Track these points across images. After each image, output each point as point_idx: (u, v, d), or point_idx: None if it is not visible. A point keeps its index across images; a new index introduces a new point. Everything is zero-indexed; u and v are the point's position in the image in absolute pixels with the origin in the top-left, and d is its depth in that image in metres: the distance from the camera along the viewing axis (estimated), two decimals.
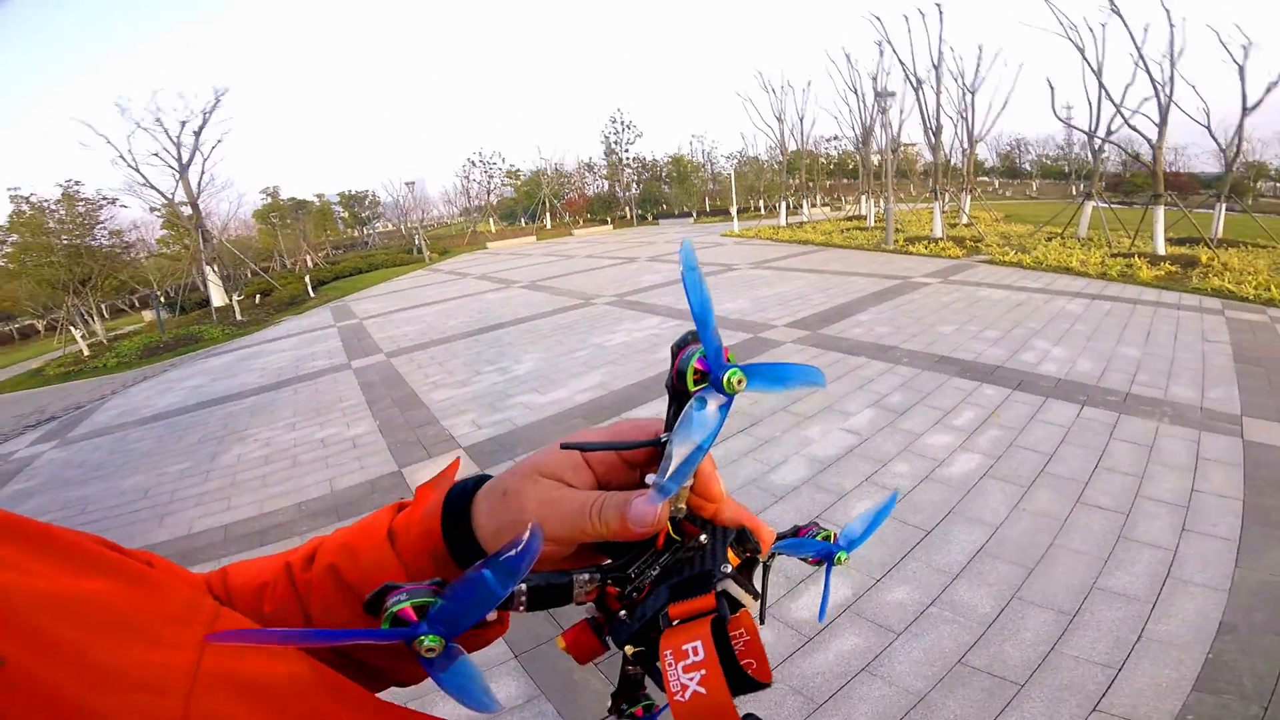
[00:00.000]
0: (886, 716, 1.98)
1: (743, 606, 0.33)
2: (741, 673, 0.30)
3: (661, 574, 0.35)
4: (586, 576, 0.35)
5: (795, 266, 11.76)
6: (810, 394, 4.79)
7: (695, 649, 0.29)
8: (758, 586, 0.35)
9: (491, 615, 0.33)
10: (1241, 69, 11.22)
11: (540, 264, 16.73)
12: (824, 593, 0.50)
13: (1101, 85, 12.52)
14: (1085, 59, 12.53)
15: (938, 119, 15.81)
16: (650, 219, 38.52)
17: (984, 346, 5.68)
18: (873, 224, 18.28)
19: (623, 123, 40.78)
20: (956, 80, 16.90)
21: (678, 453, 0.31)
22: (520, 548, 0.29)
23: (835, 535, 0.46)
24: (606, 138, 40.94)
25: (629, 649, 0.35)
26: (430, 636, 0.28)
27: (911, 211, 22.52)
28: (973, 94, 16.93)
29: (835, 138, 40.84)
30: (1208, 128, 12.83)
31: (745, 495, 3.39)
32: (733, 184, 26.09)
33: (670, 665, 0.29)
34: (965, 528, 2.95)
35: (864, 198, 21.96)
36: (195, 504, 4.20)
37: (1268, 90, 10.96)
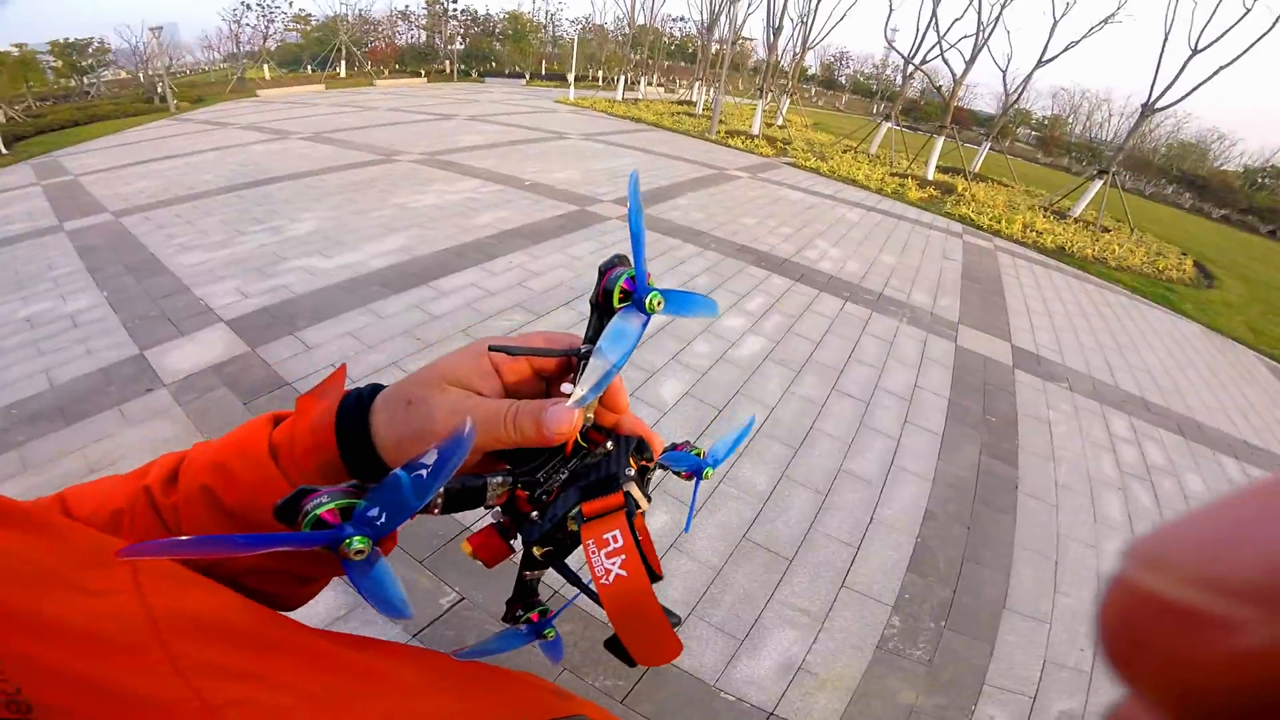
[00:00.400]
0: (693, 590, 2.14)
1: (639, 509, 0.35)
2: (646, 564, 0.33)
3: (570, 478, 0.37)
4: (499, 479, 0.35)
5: (626, 144, 11.33)
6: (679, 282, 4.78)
7: (615, 537, 0.32)
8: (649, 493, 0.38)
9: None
10: (1055, 24, 12.78)
11: (329, 114, 13.60)
12: (691, 506, 0.56)
13: (935, 15, 13.38)
14: None
15: (781, 19, 15.73)
16: (475, 76, 33.83)
17: (778, 241, 6.11)
18: (700, 112, 18.30)
19: None
20: None
21: (599, 364, 0.33)
22: (449, 446, 0.29)
23: (704, 453, 0.48)
24: None
25: (537, 550, 0.36)
26: (359, 538, 0.28)
27: (737, 105, 22.99)
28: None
29: (682, 18, 39.19)
30: (1004, 72, 14.70)
31: None
32: (575, 50, 23.71)
33: (594, 552, 0.32)
34: (748, 406, 3.21)
35: (697, 84, 21.73)
36: None
37: (1065, 48, 12.72)
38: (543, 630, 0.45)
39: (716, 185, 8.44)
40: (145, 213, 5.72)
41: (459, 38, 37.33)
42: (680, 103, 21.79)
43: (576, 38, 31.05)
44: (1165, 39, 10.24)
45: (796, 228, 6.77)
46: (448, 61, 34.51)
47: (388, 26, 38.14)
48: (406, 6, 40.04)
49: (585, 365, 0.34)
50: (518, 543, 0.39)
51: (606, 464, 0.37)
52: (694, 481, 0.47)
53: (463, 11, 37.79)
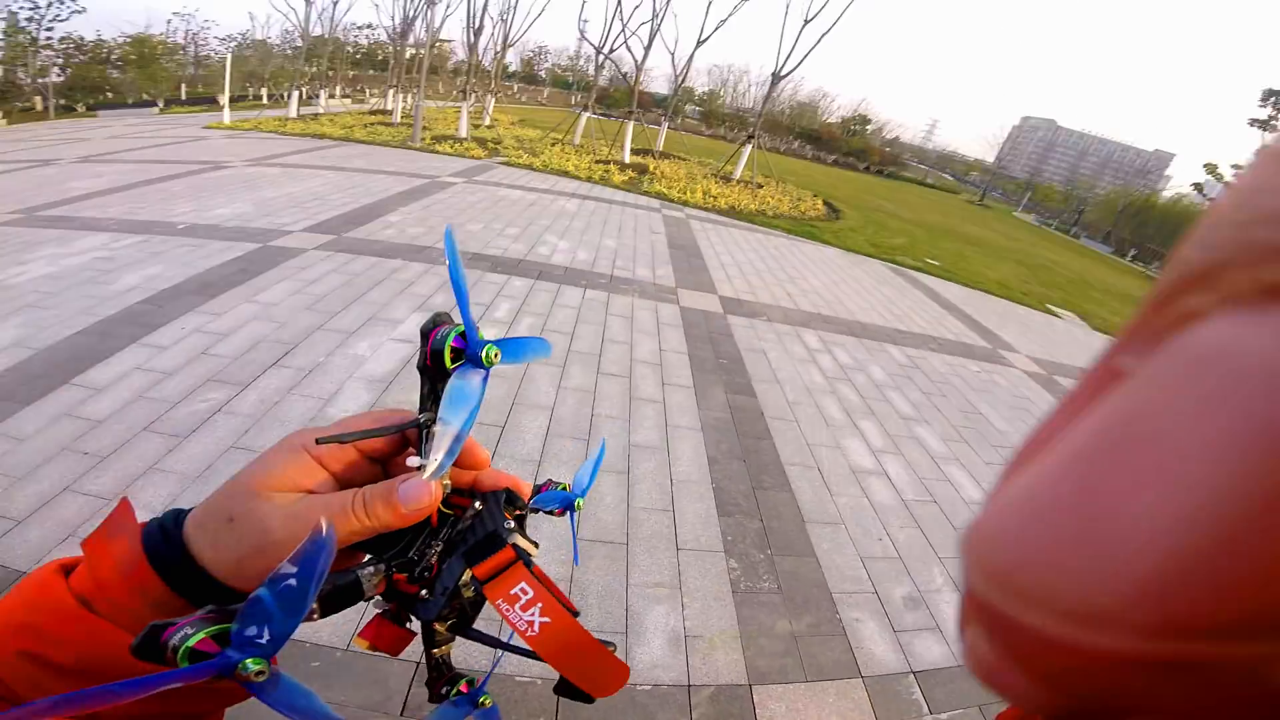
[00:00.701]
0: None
1: (530, 556, 0.36)
2: (564, 604, 0.34)
3: (446, 548, 0.36)
4: (370, 569, 0.34)
5: (309, 163, 10.01)
6: (337, 300, 4.24)
7: (524, 589, 0.32)
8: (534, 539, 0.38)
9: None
10: (709, 4, 14.66)
11: None
12: (573, 539, 0.56)
13: (620, 4, 14.39)
14: None
15: (482, 18, 15.41)
16: (83, 110, 26.31)
17: (507, 243, 6.13)
18: (399, 120, 17.22)
19: None
20: None
21: (446, 430, 0.33)
22: (310, 550, 0.27)
23: (569, 486, 0.48)
24: (13, 13, 25.52)
25: (440, 626, 0.37)
26: (254, 659, 0.27)
27: (439, 110, 22.17)
28: None
29: (369, 25, 35.79)
30: (673, 54, 16.60)
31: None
32: (228, 69, 19.74)
33: (509, 610, 0.31)
34: (530, 414, 3.18)
35: (391, 92, 20.29)
36: None
37: (716, 27, 14.77)
38: (477, 699, 0.43)
39: (431, 195, 8.08)
40: None
41: (55, 68, 28.53)
42: (374, 112, 20.20)
43: (230, 55, 26.17)
44: (786, 12, 12.86)
45: (523, 226, 6.87)
46: (38, 96, 26.10)
47: None
48: None
49: (428, 435, 0.34)
50: (416, 624, 0.38)
51: (481, 524, 0.36)
52: (569, 515, 0.48)
53: (62, 40, 28.80)
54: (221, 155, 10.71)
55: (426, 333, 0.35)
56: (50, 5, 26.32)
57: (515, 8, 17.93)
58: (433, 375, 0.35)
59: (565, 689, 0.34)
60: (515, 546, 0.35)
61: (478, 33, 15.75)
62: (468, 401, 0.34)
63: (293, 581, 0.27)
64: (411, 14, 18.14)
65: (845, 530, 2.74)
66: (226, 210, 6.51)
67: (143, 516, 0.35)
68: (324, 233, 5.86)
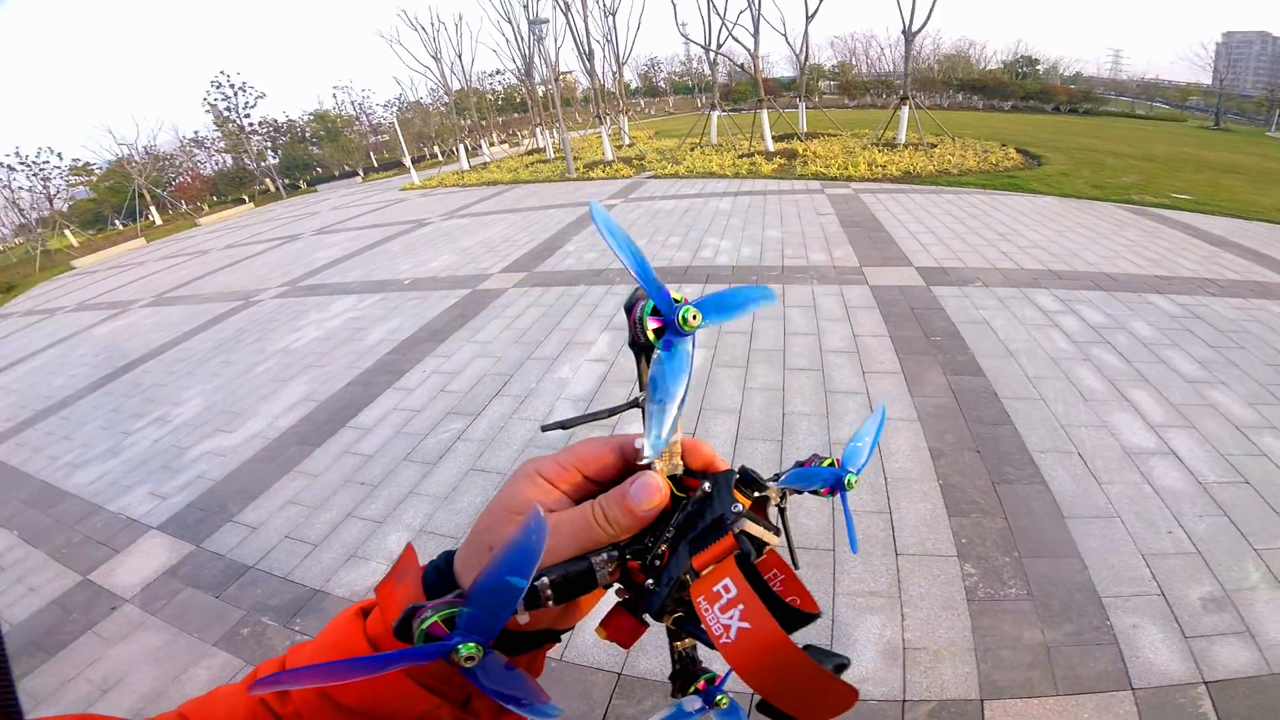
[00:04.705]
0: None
1: (767, 546, 0.34)
2: (786, 607, 0.33)
3: (677, 534, 0.35)
4: (605, 556, 0.34)
5: (492, 209, 11.19)
6: (539, 330, 4.58)
7: (726, 586, 0.29)
8: (776, 525, 0.36)
9: (523, 618, 0.32)
10: None
11: (161, 270, 12.49)
12: (848, 522, 0.49)
13: (710, 1, 14.33)
14: None
15: (589, 43, 16.31)
16: (305, 187, 32.58)
17: (672, 252, 6.19)
18: (552, 155, 18.53)
19: (233, 85, 33.28)
20: (599, 2, 17.45)
21: (660, 405, 0.32)
22: (524, 532, 0.28)
23: (838, 460, 0.44)
24: (213, 105, 32.87)
25: (668, 621, 0.35)
26: (466, 645, 0.28)
27: (583, 138, 23.57)
28: (613, 16, 17.78)
29: (499, 72, 39.84)
30: (784, 35, 15.95)
31: (527, 457, 3.06)
32: (399, 132, 23.33)
33: (707, 610, 0.29)
34: (719, 420, 3.11)
35: (538, 130, 22.07)
36: None
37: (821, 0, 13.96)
38: (714, 698, 0.42)
39: None
40: (13, 439, 4.89)
41: (269, 152, 35.83)
42: (530, 153, 21.93)
43: (396, 119, 30.63)
44: None
45: (683, 234, 6.90)
46: (268, 179, 32.95)
47: (184, 158, 35.89)
48: (196, 132, 37.76)
49: (646, 415, 0.33)
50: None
51: (709, 508, 0.34)
52: (839, 496, 0.44)
53: (261, 123, 36.26)
54: (421, 213, 12.46)
55: (628, 310, 0.34)
56: (237, 94, 32.97)
57: (614, 28, 18.42)
58: (643, 351, 0.34)
59: (767, 709, 0.29)
60: (739, 535, 0.32)
61: (590, 58, 16.39)
62: (674, 373, 0.32)
63: (507, 568, 0.28)
64: (528, 53, 19.45)
65: (1120, 524, 2.24)
66: (437, 263, 7.51)
67: (402, 536, 0.37)
68: (517, 270, 6.46)
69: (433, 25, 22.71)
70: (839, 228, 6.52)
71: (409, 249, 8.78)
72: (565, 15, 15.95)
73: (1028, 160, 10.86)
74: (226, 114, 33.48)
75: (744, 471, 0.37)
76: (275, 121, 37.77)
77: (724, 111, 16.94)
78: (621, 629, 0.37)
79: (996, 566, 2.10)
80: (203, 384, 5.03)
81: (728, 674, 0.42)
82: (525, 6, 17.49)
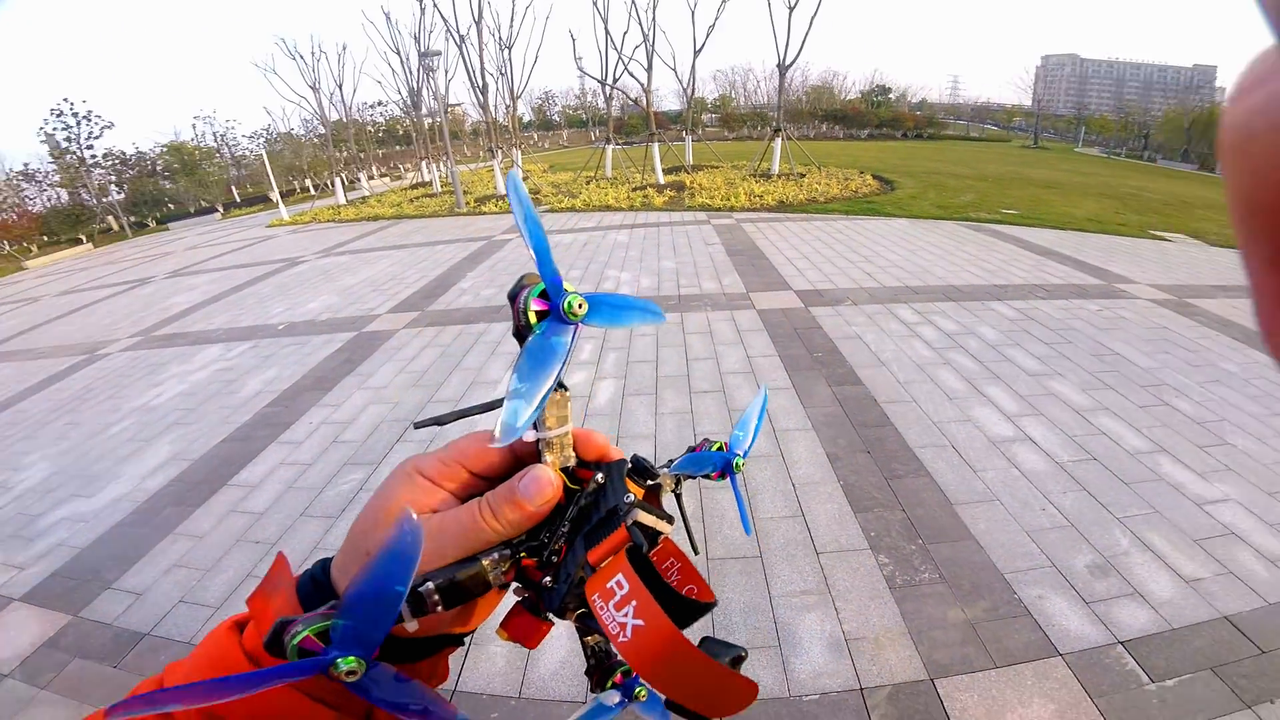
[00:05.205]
0: (701, 629, 1.98)
1: (662, 535, 0.33)
2: (682, 600, 0.32)
3: (572, 528, 0.34)
4: (496, 556, 0.32)
5: (374, 245, 10.65)
6: (437, 372, 4.39)
7: (619, 583, 0.28)
8: (671, 513, 0.35)
9: (411, 625, 0.30)
10: (693, 13, 14.79)
11: None
12: (739, 505, 0.50)
13: (608, 33, 14.76)
14: (596, 7, 14.46)
15: (483, 76, 16.12)
16: (155, 225, 29.21)
17: (575, 285, 6.11)
18: (439, 189, 18.07)
19: (76, 114, 29.43)
20: (495, 35, 17.31)
21: (523, 389, 0.30)
22: (396, 537, 0.26)
23: (726, 444, 0.44)
24: (50, 135, 28.92)
25: (571, 618, 0.34)
26: (345, 659, 0.26)
27: (473, 172, 23.19)
28: (509, 49, 17.66)
29: (380, 103, 38.22)
30: (674, 69, 16.78)
31: None
32: (267, 165, 21.59)
33: (602, 608, 0.28)
34: (636, 445, 3.17)
35: (424, 163, 21.42)
36: None
37: (707, 34, 14.85)
38: (632, 691, 0.41)
39: (491, 255, 8.37)
40: None
41: (113, 186, 31.80)
42: (415, 186, 21.23)
43: (265, 152, 28.40)
44: (769, 4, 12.67)
45: (584, 267, 7.01)
46: (110, 217, 29.19)
47: (9, 193, 30.95)
48: (25, 164, 32.64)
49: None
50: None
51: (603, 499, 0.33)
52: (729, 478, 0.43)
53: (105, 155, 32.19)
54: (292, 251, 11.55)
55: (512, 298, 0.32)
56: (80, 123, 29.44)
57: (509, 61, 18.51)
58: (524, 341, 0.32)
59: (674, 705, 0.29)
60: (633, 527, 0.31)
61: (483, 91, 16.34)
62: (546, 359, 0.31)
63: (382, 576, 0.26)
64: (416, 85, 18.97)
65: (1001, 506, 2.54)
66: (316, 304, 6.98)
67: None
68: (408, 310, 6.17)
69: (313, 55, 21.39)
70: (726, 256, 6.92)
71: (281, 290, 8.10)
72: (459, 48, 15.73)
73: (883, 185, 12.19)
74: (66, 145, 29.44)
75: (636, 460, 0.36)
76: (122, 154, 33.66)
77: (618, 145, 17.44)
78: (523, 629, 0.36)
79: (906, 555, 2.30)
80: (46, 448, 4.31)
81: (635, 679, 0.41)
82: (416, 38, 17.10)
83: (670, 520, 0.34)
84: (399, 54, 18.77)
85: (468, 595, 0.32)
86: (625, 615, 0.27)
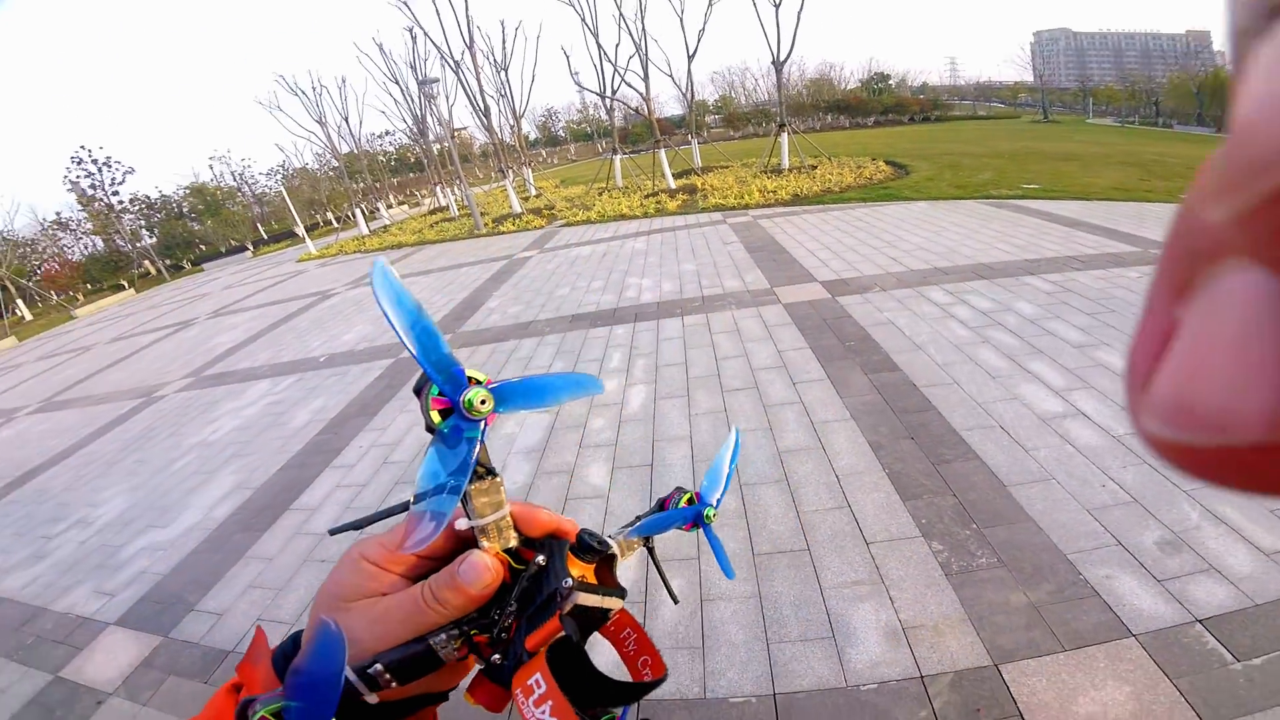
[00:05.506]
0: (754, 623, 2.06)
1: (613, 611, 0.34)
2: (619, 685, 0.33)
3: (519, 607, 0.34)
4: (444, 636, 0.33)
5: (401, 273, 10.56)
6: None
7: (538, 681, 0.30)
8: (624, 580, 0.38)
9: (371, 699, 0.32)
10: (681, 19, 14.92)
11: (43, 372, 11.15)
12: (716, 552, 0.48)
13: (600, 46, 14.97)
14: (584, 22, 14.70)
15: (483, 99, 16.46)
16: (190, 266, 30.26)
17: (598, 296, 6.33)
18: (457, 213, 18.42)
19: (95, 160, 30.76)
20: (489, 59, 17.72)
21: (428, 499, 0.30)
22: (316, 645, 0.29)
23: (697, 494, 0.44)
24: (75, 183, 30.27)
25: None
26: None
27: (487, 193, 23.56)
28: (505, 70, 18.04)
29: (388, 133, 39.19)
30: (670, 75, 16.93)
31: None
32: (289, 201, 22.31)
33: (523, 703, 0.30)
34: (672, 447, 3.20)
35: (438, 188, 21.86)
36: None
37: (699, 38, 14.94)
38: None
39: (514, 274, 8.51)
40: None
41: (144, 231, 33.07)
42: (433, 211, 21.67)
43: (284, 188, 29.29)
44: (755, 3, 12.69)
45: (605, 277, 7.08)
46: (146, 261, 30.40)
47: (48, 243, 32.45)
48: (58, 214, 34.36)
49: (465, 501, 0.34)
50: None
51: (545, 581, 0.34)
52: (703, 529, 0.44)
53: (132, 200, 33.56)
54: (323, 284, 11.94)
55: (417, 392, 0.32)
56: (101, 170, 30.61)
57: (508, 82, 18.78)
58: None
59: None
60: (566, 618, 0.32)
61: (486, 113, 16.63)
62: (451, 458, 0.30)
63: (312, 671, 0.28)
64: (420, 112, 19.32)
65: (1057, 485, 2.47)
66: (351, 335, 7.21)
67: None
68: (442, 332, 6.27)
69: (314, 89, 22.09)
70: (745, 254, 6.94)
71: (317, 324, 8.39)
72: (455, 73, 16.10)
73: (897, 170, 12.06)
74: (92, 192, 30.82)
75: (582, 536, 0.36)
76: (147, 198, 35.10)
77: (625, 154, 17.60)
78: (489, 695, 0.37)
79: (960, 540, 2.25)
80: (119, 484, 4.58)
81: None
82: (412, 67, 17.54)
83: (622, 594, 0.34)
84: (398, 83, 19.22)
85: (423, 670, 0.33)
86: (543, 713, 0.29)
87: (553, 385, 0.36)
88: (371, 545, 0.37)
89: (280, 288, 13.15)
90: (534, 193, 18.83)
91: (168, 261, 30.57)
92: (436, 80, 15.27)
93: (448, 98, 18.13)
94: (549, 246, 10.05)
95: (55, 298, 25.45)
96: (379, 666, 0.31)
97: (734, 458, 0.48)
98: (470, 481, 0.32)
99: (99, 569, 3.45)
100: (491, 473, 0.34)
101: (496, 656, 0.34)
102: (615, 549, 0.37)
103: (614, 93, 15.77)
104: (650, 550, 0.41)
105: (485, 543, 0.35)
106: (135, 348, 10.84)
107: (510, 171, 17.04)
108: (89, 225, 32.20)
